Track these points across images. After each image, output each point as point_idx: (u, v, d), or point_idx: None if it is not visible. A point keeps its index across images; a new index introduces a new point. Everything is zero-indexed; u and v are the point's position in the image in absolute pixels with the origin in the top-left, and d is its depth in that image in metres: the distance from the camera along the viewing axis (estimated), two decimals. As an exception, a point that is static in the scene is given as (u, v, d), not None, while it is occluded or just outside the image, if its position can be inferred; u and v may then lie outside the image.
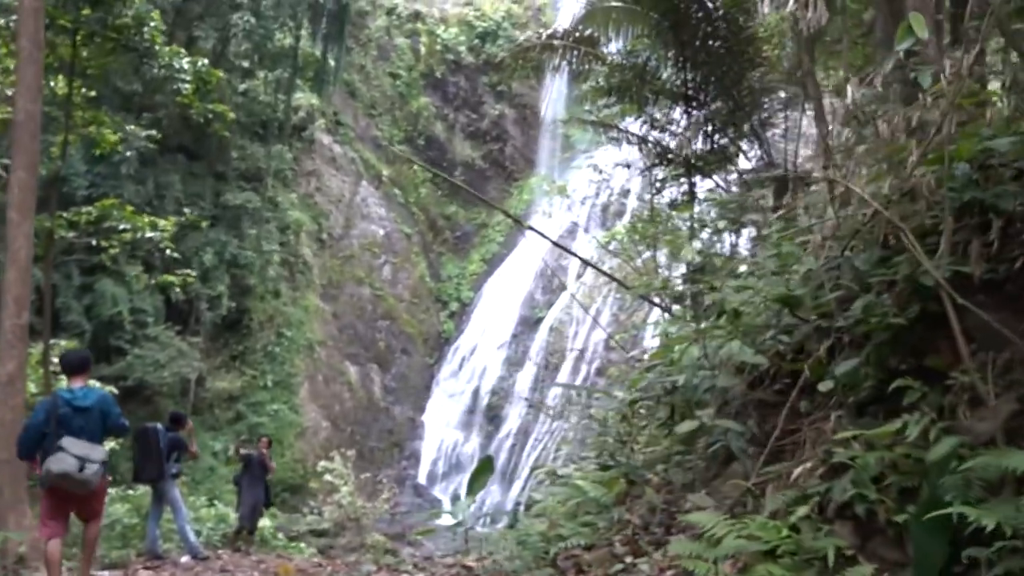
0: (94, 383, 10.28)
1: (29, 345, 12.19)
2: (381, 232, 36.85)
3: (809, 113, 13.64)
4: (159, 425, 10.49)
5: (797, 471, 3.47)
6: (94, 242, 15.34)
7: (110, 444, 9.07)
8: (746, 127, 12.38)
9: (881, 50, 8.34)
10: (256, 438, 14.88)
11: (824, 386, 3.65)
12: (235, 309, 29.54)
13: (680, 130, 12.45)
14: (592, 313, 34.69)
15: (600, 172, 15.52)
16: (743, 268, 7.21)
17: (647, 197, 30.79)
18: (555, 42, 13.00)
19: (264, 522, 14.54)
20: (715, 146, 12.48)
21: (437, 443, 34.49)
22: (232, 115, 15.77)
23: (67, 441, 7.01)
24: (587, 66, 12.85)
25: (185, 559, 10.21)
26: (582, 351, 34.10)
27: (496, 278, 38.21)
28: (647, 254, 14.90)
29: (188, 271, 19.02)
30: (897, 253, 3.94)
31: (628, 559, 3.99)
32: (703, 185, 13.65)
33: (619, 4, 13.17)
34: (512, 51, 14.09)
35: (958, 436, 3.35)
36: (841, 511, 3.43)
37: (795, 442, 3.74)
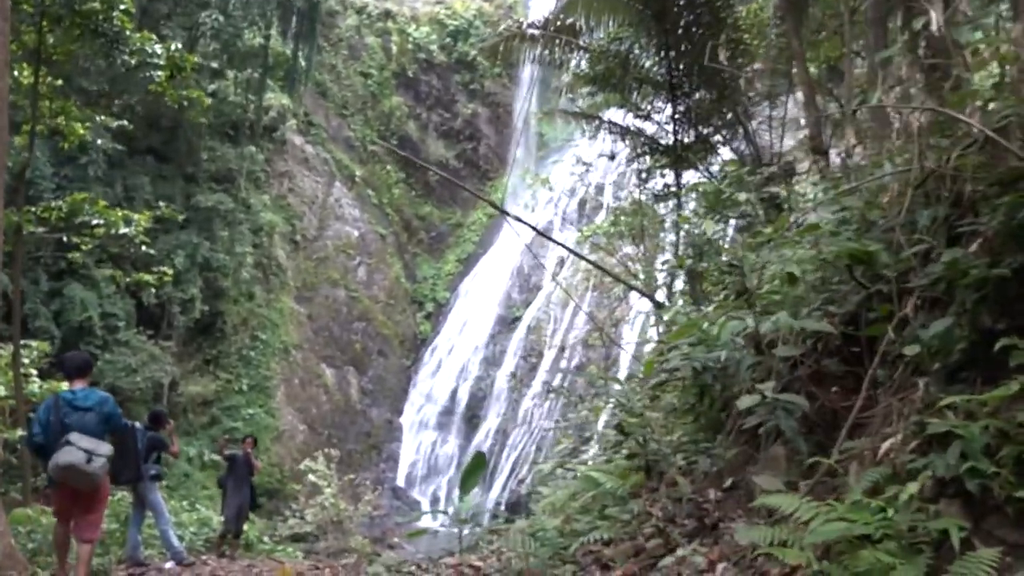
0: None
1: (-1, 347, 11.78)
2: (355, 233, 36.47)
3: (793, 103, 13.59)
4: (137, 424, 10.06)
5: (885, 446, 3.13)
6: (64, 238, 14.86)
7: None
8: (730, 116, 12.27)
9: (873, 28, 8.27)
10: (241, 438, 14.41)
11: (910, 350, 3.32)
12: (208, 312, 29.06)
13: (665, 120, 12.31)
14: (569, 312, 34.63)
15: (584, 165, 15.32)
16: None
17: (623, 193, 30.83)
18: (536, 31, 12.80)
19: (249, 525, 14.16)
20: (699, 136, 12.36)
21: (415, 445, 34.19)
22: (208, 100, 15.22)
23: (74, 436, 7.23)
24: (569, 55, 12.68)
25: (169, 565, 9.80)
26: (561, 349, 34.01)
27: (472, 278, 37.96)
28: (627, 249, 14.81)
29: (164, 269, 18.52)
30: (984, 200, 3.59)
31: (659, 553, 3.76)
32: (686, 176, 13.56)
33: (601, -6, 13.02)
34: (492, 40, 13.83)
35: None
36: (942, 488, 3.06)
37: (871, 415, 3.44)
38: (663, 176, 13.74)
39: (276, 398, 30.74)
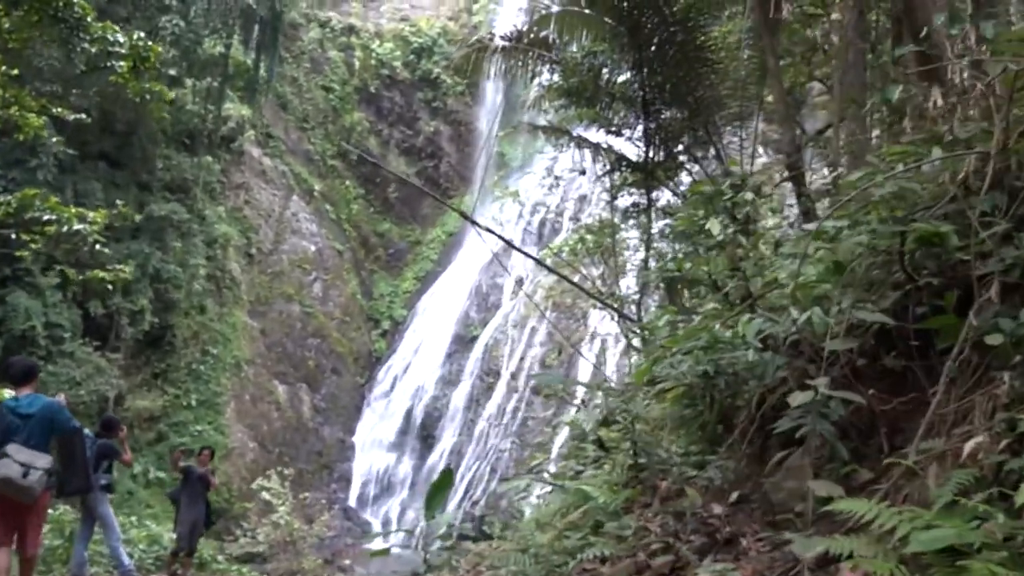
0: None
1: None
2: (312, 248, 35.93)
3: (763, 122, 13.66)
4: (87, 431, 9.53)
5: (970, 446, 2.86)
6: (14, 235, 14.19)
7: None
8: (700, 134, 12.25)
9: (853, 46, 8.28)
10: (197, 450, 13.69)
11: (993, 339, 3.05)
12: (158, 325, 28.26)
13: (637, 136, 12.25)
14: (527, 332, 34.46)
15: (555, 179, 15.16)
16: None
17: (592, 210, 30.83)
18: (507, 43, 12.68)
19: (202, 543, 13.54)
20: (670, 153, 12.32)
21: (368, 465, 33.60)
22: (171, 94, 14.68)
23: (12, 448, 7.06)
24: (541, 68, 12.57)
25: (116, 584, 9.32)
26: (516, 372, 33.80)
27: (430, 296, 37.62)
28: (593, 268, 14.68)
29: (121, 267, 17.85)
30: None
31: (666, 571, 3.52)
32: (655, 194, 13.50)
33: (573, 9, 12.98)
34: (462, 50, 13.67)
35: None
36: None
37: (943, 414, 3.22)
38: (630, 195, 13.68)
39: (226, 414, 29.95)
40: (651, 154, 11.97)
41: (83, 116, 15.07)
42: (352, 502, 32.44)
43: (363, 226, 38.92)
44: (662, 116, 12.27)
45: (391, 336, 37.19)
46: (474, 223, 10.06)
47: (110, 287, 17.66)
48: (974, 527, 2.64)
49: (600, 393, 6.83)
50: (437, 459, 32.79)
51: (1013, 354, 3.17)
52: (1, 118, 12.74)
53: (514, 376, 33.43)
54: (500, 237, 9.79)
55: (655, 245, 11.76)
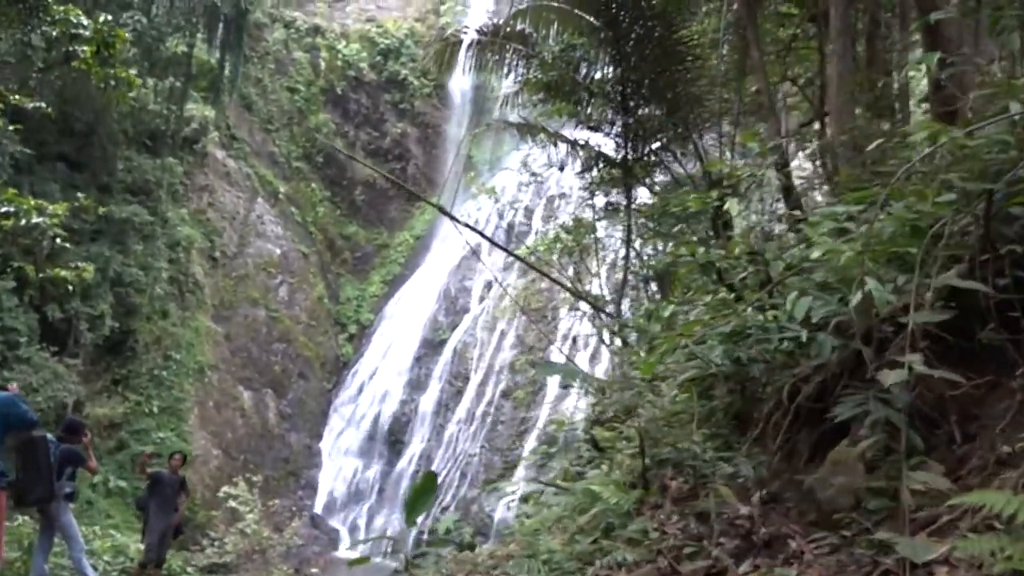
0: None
1: None
2: (277, 251, 35.33)
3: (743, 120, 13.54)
4: (48, 435, 8.94)
5: None
6: None
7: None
8: (680, 130, 12.11)
9: (839, 40, 8.15)
10: (168, 454, 13.09)
11: None
12: (119, 330, 27.51)
13: (616, 133, 12.07)
14: (496, 335, 34.20)
15: (532, 174, 14.98)
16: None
17: (568, 208, 30.63)
18: (483, 37, 12.45)
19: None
20: (650, 150, 12.16)
21: (335, 471, 33.09)
22: (138, 81, 14.11)
23: None
24: (518, 61, 12.34)
25: (79, 597, 8.83)
26: (485, 376, 33.50)
27: (397, 300, 37.21)
28: (571, 268, 14.48)
29: (84, 265, 17.21)
30: None
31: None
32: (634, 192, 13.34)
33: (550, 3, 12.77)
34: (437, 44, 13.39)
35: None
36: None
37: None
38: (606, 194, 13.51)
39: (189, 421, 29.26)
40: (630, 151, 11.79)
41: (43, 105, 14.43)
42: (319, 509, 31.89)
43: (329, 229, 38.40)
44: (641, 112, 12.11)
45: (358, 340, 36.71)
46: (453, 218, 9.79)
47: (70, 288, 16.96)
48: None
49: (590, 390, 6.58)
50: (406, 465, 32.40)
51: None
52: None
53: (483, 380, 33.18)
54: (479, 232, 9.54)
55: (636, 242, 11.58)
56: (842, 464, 3.17)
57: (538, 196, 31.79)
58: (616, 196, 13.38)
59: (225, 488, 20.77)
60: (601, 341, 13.38)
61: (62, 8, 10.60)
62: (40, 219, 13.21)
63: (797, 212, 7.70)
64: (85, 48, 10.81)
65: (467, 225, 9.47)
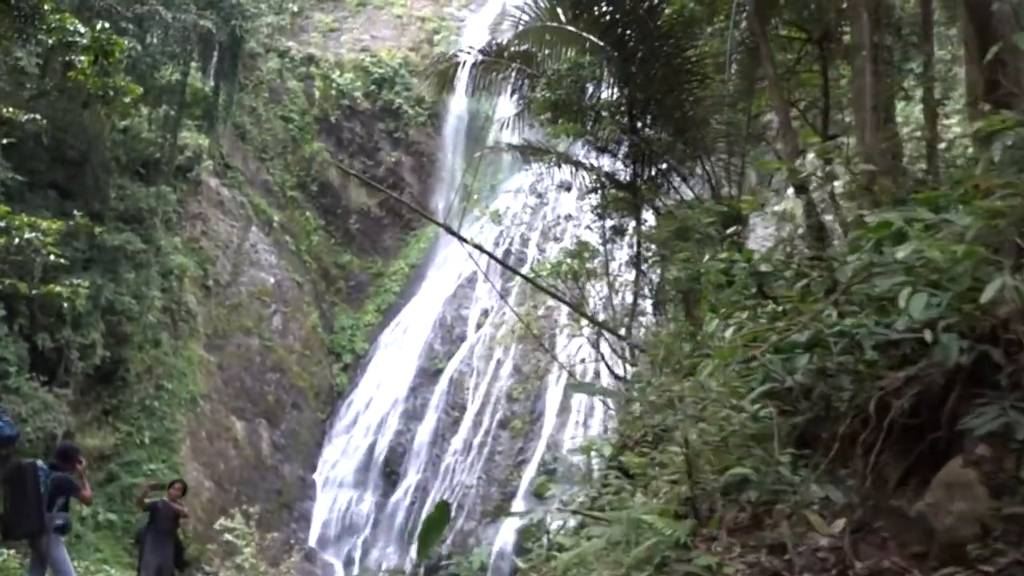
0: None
1: None
2: (271, 280, 34.99)
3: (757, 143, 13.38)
4: (39, 462, 8.45)
5: None
6: None
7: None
8: (688, 151, 11.93)
9: (862, 55, 7.97)
10: (166, 483, 12.53)
11: None
12: (110, 359, 27.06)
13: (623, 154, 11.87)
14: (493, 364, 33.81)
15: (539, 196, 14.78)
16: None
17: (551, 243, 30.43)
18: (487, 57, 12.28)
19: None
20: (658, 171, 11.96)
21: (329, 504, 32.51)
22: (139, 90, 13.76)
23: None
24: (522, 81, 12.18)
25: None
26: (482, 405, 33.06)
27: (392, 329, 36.83)
28: (578, 291, 14.20)
29: (79, 282, 16.79)
30: None
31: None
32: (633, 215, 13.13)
33: (554, 25, 12.64)
34: (441, 64, 13.22)
35: None
36: None
37: None
38: (611, 218, 13.30)
39: (181, 452, 28.72)
40: (638, 172, 11.59)
41: (37, 117, 14.08)
42: (313, 542, 31.27)
43: (324, 258, 38.10)
44: (648, 133, 11.92)
45: (353, 370, 36.27)
46: (460, 238, 9.54)
47: (62, 314, 16.52)
48: None
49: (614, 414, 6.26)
50: (401, 496, 31.88)
51: None
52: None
53: (480, 410, 32.74)
54: (487, 253, 9.29)
55: (643, 265, 11.34)
56: (958, 487, 2.82)
57: (533, 226, 31.53)
58: (621, 220, 13.17)
59: (221, 520, 20.25)
60: (606, 366, 13.06)
61: (57, 16, 10.30)
62: (33, 234, 12.83)
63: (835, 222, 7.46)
64: (82, 58, 10.51)
65: (476, 246, 9.23)
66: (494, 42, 12.30)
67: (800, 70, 14.76)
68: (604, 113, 11.68)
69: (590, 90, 11.89)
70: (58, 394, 24.86)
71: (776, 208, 11.06)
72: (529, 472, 30.68)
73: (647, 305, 11.61)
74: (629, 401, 6.72)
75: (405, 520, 31.28)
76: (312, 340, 35.64)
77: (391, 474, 32.47)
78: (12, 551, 10.60)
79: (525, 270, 30.51)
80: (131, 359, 28.16)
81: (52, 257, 13.52)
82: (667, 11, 11.88)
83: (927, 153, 8.03)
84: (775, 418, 3.41)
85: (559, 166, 13.14)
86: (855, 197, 5.22)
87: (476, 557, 6.60)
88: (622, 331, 11.14)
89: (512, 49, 12.07)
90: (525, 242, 35.07)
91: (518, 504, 29.82)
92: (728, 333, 5.03)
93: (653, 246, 12.24)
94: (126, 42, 24.28)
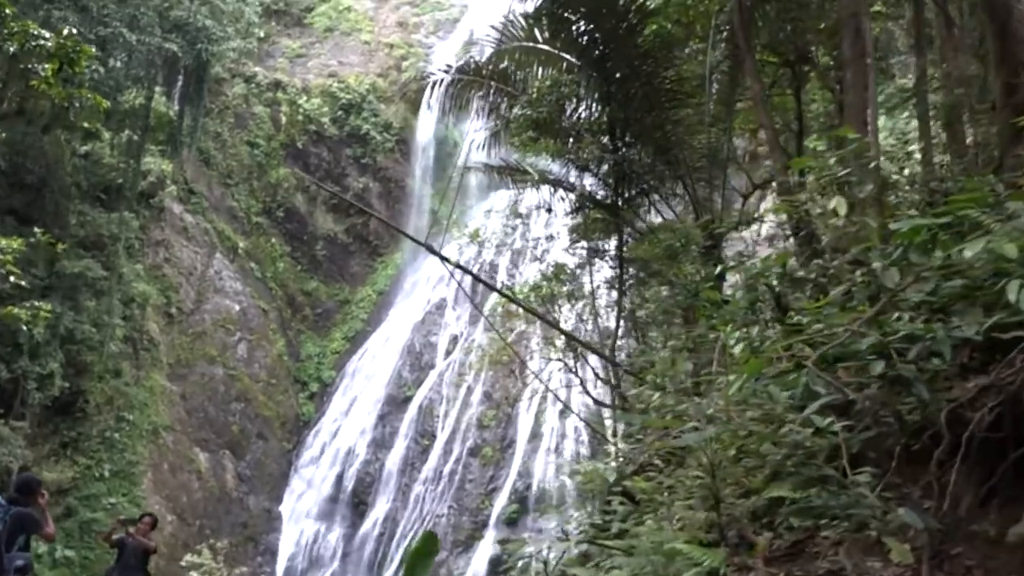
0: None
1: None
2: (236, 307, 34.31)
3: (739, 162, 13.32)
4: None
5: None
6: None
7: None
8: (668, 172, 11.82)
9: (853, 65, 7.91)
10: (135, 518, 11.85)
11: None
12: (69, 390, 26.26)
13: (604, 173, 11.72)
14: (463, 391, 33.37)
15: (518, 217, 14.49)
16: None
17: (515, 275, 30.28)
18: (463, 76, 12.11)
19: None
20: (639, 191, 11.83)
21: (296, 536, 31.69)
22: (106, 103, 13.22)
23: None
24: (500, 100, 12.01)
25: None
26: (452, 433, 32.56)
27: (360, 357, 36.27)
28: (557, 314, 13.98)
29: (41, 304, 16.15)
30: None
31: None
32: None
33: (531, 44, 12.52)
34: (414, 80, 13.01)
35: None
36: None
37: None
38: (589, 240, 13.14)
39: (142, 485, 27.85)
40: (619, 192, 11.44)
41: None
42: (279, 576, 30.44)
43: (290, 284, 37.50)
44: (629, 152, 11.80)
45: (320, 399, 35.60)
46: (441, 256, 9.28)
47: (20, 343, 15.84)
48: None
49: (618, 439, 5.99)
50: (370, 528, 31.18)
51: None
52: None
53: (450, 437, 32.24)
54: (469, 271, 9.03)
55: (628, 279, 11.15)
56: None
57: (508, 247, 31.35)
58: (598, 241, 13.02)
59: (188, 557, 19.56)
60: (584, 391, 12.83)
61: (20, 23, 9.79)
62: None
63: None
64: (46, 65, 10.00)
65: (457, 264, 8.97)
66: (472, 60, 12.12)
67: (773, 94, 14.82)
68: (584, 132, 11.53)
69: (570, 109, 11.74)
70: (14, 427, 24.00)
71: (754, 227, 10.98)
72: (501, 500, 30.21)
73: (625, 327, 11.40)
74: (632, 424, 6.44)
75: (374, 552, 30.61)
76: (278, 368, 34.96)
77: (359, 504, 31.79)
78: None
79: (496, 296, 30.30)
80: (91, 390, 27.36)
81: (12, 279, 12.84)
82: (646, 31, 11.81)
83: (923, 160, 7.97)
84: (840, 433, 3.14)
85: (537, 187, 12.96)
86: (863, 207, 5.05)
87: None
88: (606, 352, 10.92)
89: (491, 67, 11.90)
90: (494, 267, 34.84)
91: (490, 533, 29.35)
92: (738, 348, 4.82)
93: (632, 268, 12.09)
94: (88, 64, 23.89)
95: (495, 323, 31.03)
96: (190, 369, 31.85)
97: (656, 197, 11.98)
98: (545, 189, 12.77)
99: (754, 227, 12.06)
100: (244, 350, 34.03)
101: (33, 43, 9.70)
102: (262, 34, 38.18)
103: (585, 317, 12.78)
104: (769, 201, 16.70)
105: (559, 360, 14.19)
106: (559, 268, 13.62)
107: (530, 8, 12.02)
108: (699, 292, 6.75)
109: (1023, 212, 2.98)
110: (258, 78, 38.26)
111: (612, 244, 12.65)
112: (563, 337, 13.46)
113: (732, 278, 9.09)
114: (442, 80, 11.90)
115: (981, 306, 3.04)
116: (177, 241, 33.33)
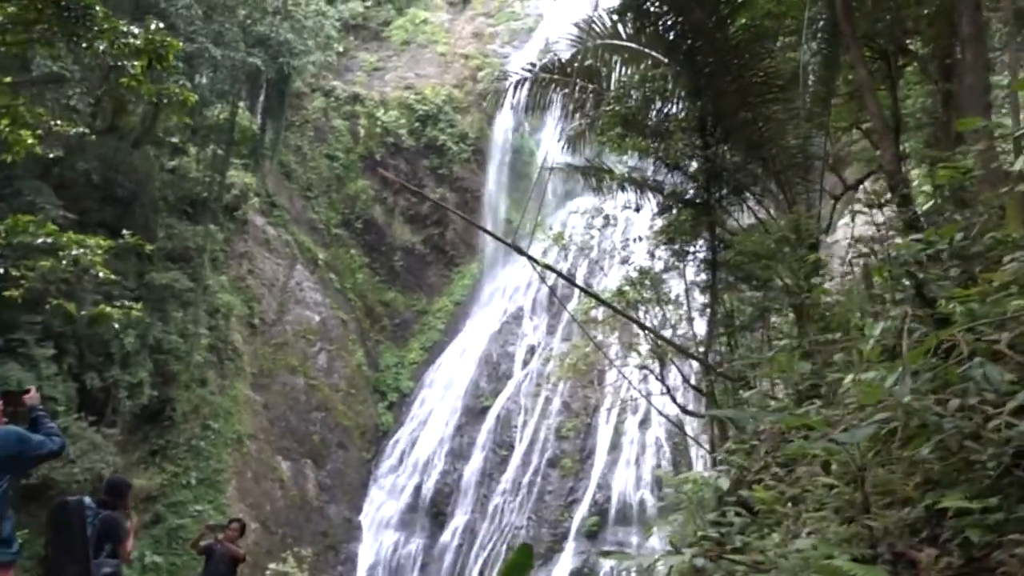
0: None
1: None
2: (316, 318, 34.73)
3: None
4: (87, 499, 7.39)
5: None
6: (1, 269, 12.77)
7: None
8: (764, 169, 11.28)
9: (971, 47, 7.31)
10: (224, 523, 11.76)
11: None
12: (157, 398, 26.86)
13: (693, 172, 11.27)
14: (542, 401, 33.01)
15: (605, 218, 14.17)
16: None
17: (591, 284, 29.74)
18: (548, 75, 11.81)
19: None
20: (731, 190, 11.33)
21: (376, 546, 31.76)
22: (194, 97, 13.30)
23: None
24: (585, 98, 11.68)
25: None
26: (531, 443, 32.22)
27: (437, 367, 36.30)
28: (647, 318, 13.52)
29: (132, 304, 16.38)
30: None
31: None
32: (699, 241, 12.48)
33: (614, 43, 12.16)
34: (494, 81, 12.80)
35: None
36: None
37: None
38: (674, 245, 12.66)
39: (227, 493, 28.28)
40: (711, 190, 10.97)
41: (84, 130, 13.68)
42: (359, 586, 30.53)
43: (368, 295, 37.82)
44: (721, 149, 11.32)
45: (398, 409, 35.72)
46: (530, 257, 8.97)
47: (112, 352, 16.11)
48: None
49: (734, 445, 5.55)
50: (449, 538, 31.04)
51: None
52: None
53: (529, 448, 31.92)
54: (559, 273, 8.71)
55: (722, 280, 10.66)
56: None
57: (595, 249, 30.84)
58: (685, 243, 12.54)
59: (273, 565, 19.66)
60: (671, 398, 12.33)
61: (109, 21, 9.77)
62: (80, 250, 12.38)
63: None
64: (135, 63, 9.99)
65: (546, 266, 8.68)
66: (555, 58, 11.83)
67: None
68: (673, 129, 11.11)
69: (657, 107, 11.34)
70: (106, 434, 24.63)
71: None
72: (581, 512, 29.72)
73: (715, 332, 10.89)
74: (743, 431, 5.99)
75: (453, 563, 30.41)
76: (357, 378, 35.21)
77: (438, 515, 31.68)
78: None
79: (575, 304, 29.88)
80: (178, 398, 27.93)
81: (101, 274, 12.91)
82: (736, 24, 11.34)
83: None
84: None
85: (624, 188, 12.57)
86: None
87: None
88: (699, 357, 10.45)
89: (575, 64, 11.59)
90: (572, 277, 34.42)
91: (569, 545, 28.87)
92: (868, 346, 4.36)
93: (722, 272, 11.57)
94: (176, 80, 24.46)
95: (575, 332, 30.65)
96: (272, 379, 32.31)
97: (747, 196, 11.46)
98: (630, 190, 12.37)
99: (845, 232, 11.45)
100: (324, 360, 34.40)
101: (122, 40, 9.70)
102: (341, 48, 38.72)
103: (674, 322, 12.30)
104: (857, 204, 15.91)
105: (644, 368, 13.72)
106: (644, 272, 13.17)
107: (614, 4, 11.67)
108: (810, 291, 6.28)
109: None
110: (337, 91, 38.82)
111: (700, 245, 12.19)
112: (647, 343, 13.01)
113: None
114: (524, 80, 11.65)
115: None
116: (259, 253, 33.93)
